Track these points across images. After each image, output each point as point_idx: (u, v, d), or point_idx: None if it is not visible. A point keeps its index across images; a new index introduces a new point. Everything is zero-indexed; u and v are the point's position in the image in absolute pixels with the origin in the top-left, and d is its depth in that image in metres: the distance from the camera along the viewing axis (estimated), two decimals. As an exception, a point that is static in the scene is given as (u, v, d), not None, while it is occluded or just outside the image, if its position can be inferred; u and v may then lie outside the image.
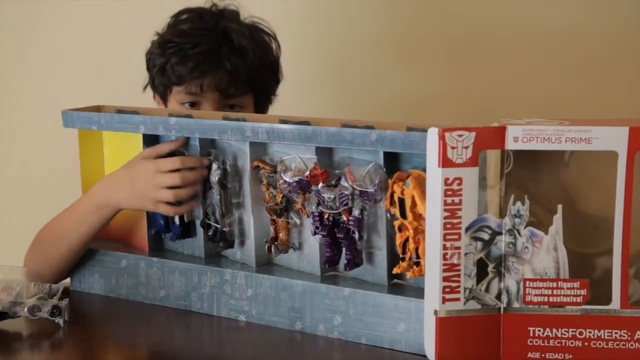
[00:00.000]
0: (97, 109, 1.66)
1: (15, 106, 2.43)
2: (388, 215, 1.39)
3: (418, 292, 1.36)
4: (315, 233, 1.43)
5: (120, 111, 1.61)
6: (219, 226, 1.54)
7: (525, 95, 2.13)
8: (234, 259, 1.57)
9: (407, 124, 1.36)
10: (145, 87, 1.85)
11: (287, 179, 1.43)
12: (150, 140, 1.61)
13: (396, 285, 1.41)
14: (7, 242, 2.23)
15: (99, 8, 2.32)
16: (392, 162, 1.39)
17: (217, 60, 1.73)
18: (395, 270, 1.38)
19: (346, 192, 1.39)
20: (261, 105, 1.83)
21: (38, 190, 2.42)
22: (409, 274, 1.36)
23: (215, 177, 1.52)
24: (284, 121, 1.45)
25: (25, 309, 1.46)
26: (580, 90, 2.11)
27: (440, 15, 2.16)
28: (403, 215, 1.36)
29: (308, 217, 1.45)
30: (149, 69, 1.82)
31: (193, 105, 1.77)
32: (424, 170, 1.28)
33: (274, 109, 1.88)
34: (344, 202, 1.40)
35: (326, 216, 1.42)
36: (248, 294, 1.50)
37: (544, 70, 2.12)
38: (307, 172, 1.42)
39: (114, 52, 2.31)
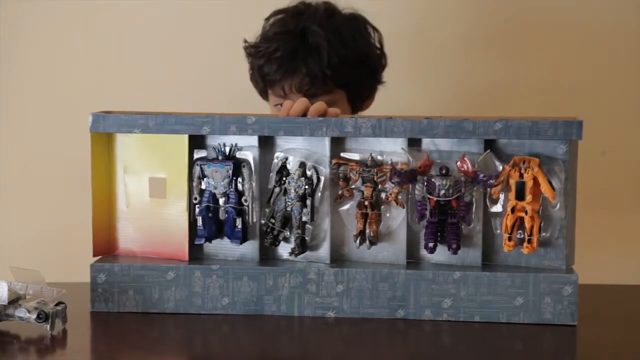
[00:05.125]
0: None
1: (19, 107, 2.34)
2: (487, 201, 1.50)
3: (521, 269, 1.48)
4: (420, 220, 1.49)
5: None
6: (284, 231, 1.53)
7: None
8: (290, 259, 1.55)
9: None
10: None
11: (399, 171, 1.47)
12: (194, 142, 1.54)
13: (490, 266, 1.52)
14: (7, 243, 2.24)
15: (104, 9, 2.28)
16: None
17: (294, 64, 1.82)
18: (508, 249, 1.49)
19: (462, 179, 1.47)
20: (355, 99, 1.79)
21: (41, 191, 2.32)
22: (526, 250, 1.48)
23: (301, 191, 1.50)
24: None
25: (15, 313, 1.40)
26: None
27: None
28: (520, 197, 1.47)
29: (403, 207, 1.50)
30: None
31: None
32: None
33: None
34: (458, 189, 1.47)
35: (432, 204, 1.48)
36: (338, 290, 1.50)
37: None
38: (418, 164, 1.47)
39: (118, 56, 2.26)
